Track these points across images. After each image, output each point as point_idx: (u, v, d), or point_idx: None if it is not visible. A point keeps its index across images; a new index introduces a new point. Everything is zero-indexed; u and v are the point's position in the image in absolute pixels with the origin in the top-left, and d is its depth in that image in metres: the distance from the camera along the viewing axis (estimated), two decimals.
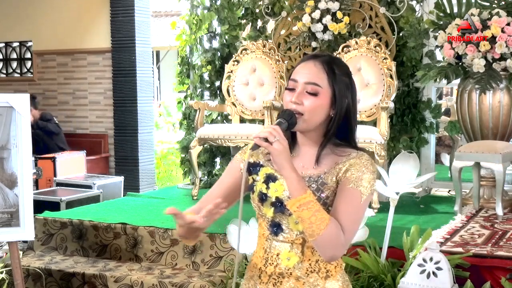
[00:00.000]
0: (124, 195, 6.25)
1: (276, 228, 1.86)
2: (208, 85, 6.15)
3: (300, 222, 1.74)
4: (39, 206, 5.00)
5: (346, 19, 5.14)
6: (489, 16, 4.46)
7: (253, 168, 1.91)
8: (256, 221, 2.03)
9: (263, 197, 1.86)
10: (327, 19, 5.15)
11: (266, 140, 1.72)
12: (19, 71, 8.31)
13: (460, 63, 4.61)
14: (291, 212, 1.77)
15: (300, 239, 1.85)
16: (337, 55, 5.11)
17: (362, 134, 4.59)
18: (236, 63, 5.57)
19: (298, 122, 1.81)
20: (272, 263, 1.87)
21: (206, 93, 6.17)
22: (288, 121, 1.79)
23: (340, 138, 1.86)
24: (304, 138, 1.87)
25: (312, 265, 1.85)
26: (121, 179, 6.56)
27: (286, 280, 1.85)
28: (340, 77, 1.84)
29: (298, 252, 1.85)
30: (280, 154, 1.72)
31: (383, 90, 4.89)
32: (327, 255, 1.78)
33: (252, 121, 5.57)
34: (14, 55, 8.32)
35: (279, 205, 1.84)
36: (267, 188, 1.86)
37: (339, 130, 1.85)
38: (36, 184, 6.27)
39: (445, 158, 6.82)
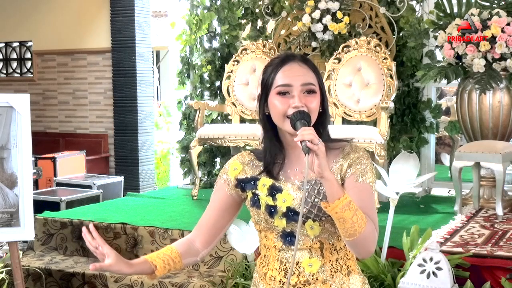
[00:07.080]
0: (124, 195, 6.24)
1: (290, 237, 1.82)
2: (208, 85, 6.14)
3: (341, 223, 1.68)
4: (39, 206, 5.00)
5: (346, 19, 5.14)
6: (489, 16, 4.46)
7: (245, 184, 1.87)
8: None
9: (271, 210, 1.82)
10: (327, 19, 5.14)
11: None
12: (19, 71, 8.30)
13: (460, 63, 4.61)
14: (330, 215, 1.71)
15: (317, 243, 1.82)
16: (337, 55, 5.12)
17: (362, 134, 4.60)
18: (236, 63, 5.57)
19: None
20: (294, 273, 1.83)
21: (206, 93, 6.17)
22: (309, 123, 1.74)
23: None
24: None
25: (334, 265, 1.83)
26: (121, 179, 6.56)
27: (313, 286, 1.82)
28: (319, 74, 1.87)
29: (318, 256, 1.82)
30: (325, 156, 1.66)
31: (383, 90, 4.89)
32: (365, 251, 1.76)
33: (252, 121, 5.56)
34: (14, 55, 8.31)
35: (291, 215, 1.80)
36: (274, 199, 1.82)
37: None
38: (36, 184, 6.26)
39: (445, 158, 6.82)
